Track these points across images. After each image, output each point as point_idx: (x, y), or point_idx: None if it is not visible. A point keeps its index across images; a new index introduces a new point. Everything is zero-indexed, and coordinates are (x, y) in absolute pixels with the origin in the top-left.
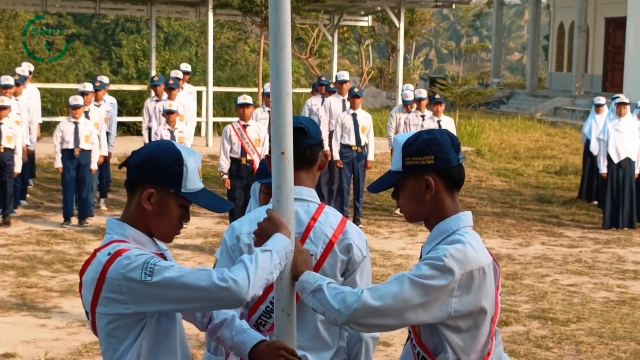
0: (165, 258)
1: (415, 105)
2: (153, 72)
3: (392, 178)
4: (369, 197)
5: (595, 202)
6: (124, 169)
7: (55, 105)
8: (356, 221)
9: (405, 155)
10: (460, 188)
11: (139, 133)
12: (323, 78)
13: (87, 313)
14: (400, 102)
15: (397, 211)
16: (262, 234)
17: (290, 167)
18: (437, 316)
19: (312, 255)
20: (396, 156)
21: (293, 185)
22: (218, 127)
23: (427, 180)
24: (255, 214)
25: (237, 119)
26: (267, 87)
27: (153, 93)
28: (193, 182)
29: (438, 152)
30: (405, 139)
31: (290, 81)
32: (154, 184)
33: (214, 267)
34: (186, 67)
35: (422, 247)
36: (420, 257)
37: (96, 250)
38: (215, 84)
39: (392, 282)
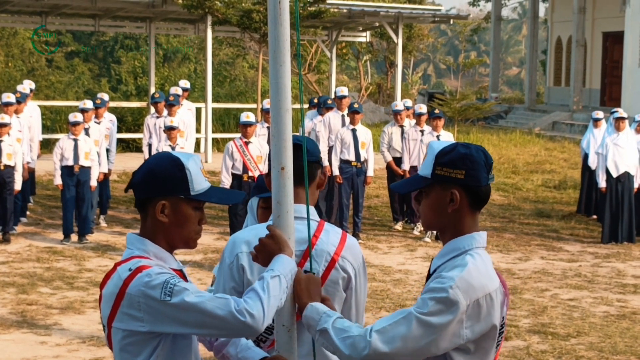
0: (184, 275)
1: (405, 115)
2: (152, 89)
3: (419, 182)
4: (368, 213)
5: (595, 217)
6: (125, 186)
7: (54, 122)
8: (355, 236)
9: (437, 163)
10: (483, 207)
11: (138, 150)
12: (315, 100)
13: (103, 326)
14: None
15: (397, 226)
16: (264, 251)
17: (290, 183)
18: (449, 347)
19: (315, 274)
20: (427, 162)
21: (292, 202)
22: (217, 144)
23: (453, 193)
24: (255, 231)
25: (236, 135)
26: (266, 104)
27: (153, 109)
28: (200, 182)
29: (470, 168)
30: (442, 146)
31: (289, 97)
32: (164, 195)
33: (212, 284)
34: (185, 83)
35: (432, 259)
36: (429, 272)
37: (116, 265)
38: (214, 100)
39: (400, 322)
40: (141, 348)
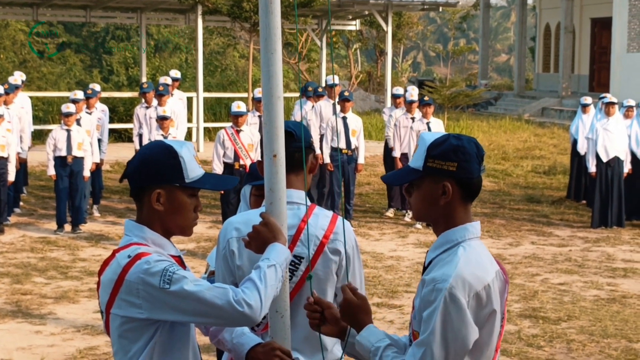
0: (182, 262)
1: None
2: (144, 79)
3: (410, 175)
4: (359, 200)
5: (584, 202)
6: (119, 176)
7: (47, 113)
8: None
9: (429, 156)
10: (474, 199)
11: (130, 140)
12: (310, 88)
13: (102, 312)
14: (389, 103)
15: (388, 213)
16: (258, 238)
17: (282, 170)
18: (475, 337)
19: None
20: (419, 154)
21: (285, 189)
22: (209, 133)
23: (446, 186)
24: (247, 216)
25: (228, 124)
26: (257, 92)
27: (143, 100)
28: (193, 170)
29: (463, 160)
30: (433, 138)
31: (281, 84)
32: (159, 183)
33: (205, 272)
34: (175, 73)
35: (426, 252)
36: (425, 264)
37: (115, 251)
38: (206, 89)
39: (427, 353)
40: (139, 334)
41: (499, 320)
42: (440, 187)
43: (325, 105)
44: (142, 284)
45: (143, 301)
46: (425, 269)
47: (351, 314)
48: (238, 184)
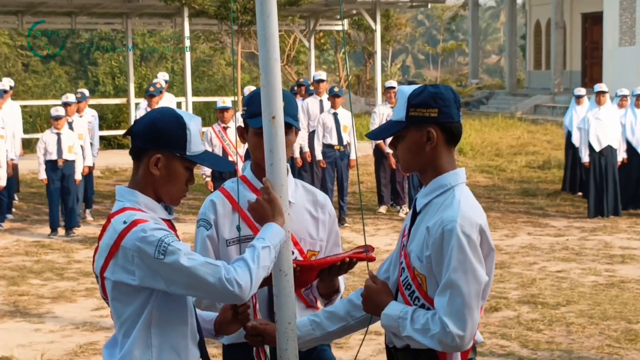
0: (172, 225)
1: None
2: (132, 87)
3: (394, 127)
4: (352, 198)
5: (580, 194)
6: (109, 181)
7: (34, 125)
8: (342, 220)
9: (410, 106)
10: (457, 144)
11: (120, 147)
12: (301, 79)
13: (97, 277)
14: (380, 101)
15: (380, 210)
16: (258, 212)
17: (281, 131)
18: (485, 272)
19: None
20: (399, 106)
21: (285, 149)
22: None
23: (430, 132)
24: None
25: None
26: (247, 91)
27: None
28: (196, 144)
29: (442, 105)
30: (411, 89)
31: (277, 47)
32: (160, 149)
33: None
34: (164, 76)
35: (415, 198)
36: (415, 209)
37: (110, 217)
38: (194, 94)
39: (455, 294)
40: (132, 299)
41: (494, 260)
42: (425, 133)
43: (312, 102)
44: (137, 252)
45: (136, 268)
46: (415, 216)
47: (373, 300)
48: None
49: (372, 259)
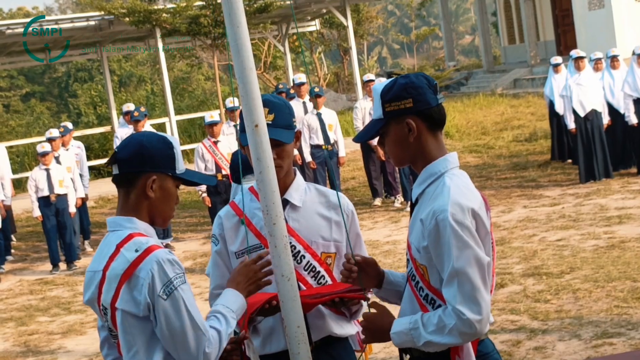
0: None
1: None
2: (114, 113)
3: (375, 126)
4: (346, 194)
5: (569, 160)
6: (103, 210)
7: (22, 164)
8: None
9: (384, 102)
10: (443, 128)
11: (110, 175)
12: (280, 86)
13: (104, 309)
14: (360, 96)
15: (376, 203)
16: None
17: (266, 139)
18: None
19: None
20: (376, 104)
21: (271, 156)
22: (187, 155)
23: (409, 123)
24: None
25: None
26: (228, 102)
27: (122, 121)
28: (181, 163)
29: (415, 94)
30: (383, 86)
31: (251, 56)
32: (154, 170)
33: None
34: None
35: (411, 189)
36: (412, 201)
37: (118, 246)
38: (177, 112)
39: (463, 282)
40: (141, 331)
41: (491, 242)
42: (405, 125)
43: (296, 105)
44: (147, 281)
45: (143, 299)
46: (413, 206)
47: (375, 325)
48: (224, 194)
49: (364, 299)
